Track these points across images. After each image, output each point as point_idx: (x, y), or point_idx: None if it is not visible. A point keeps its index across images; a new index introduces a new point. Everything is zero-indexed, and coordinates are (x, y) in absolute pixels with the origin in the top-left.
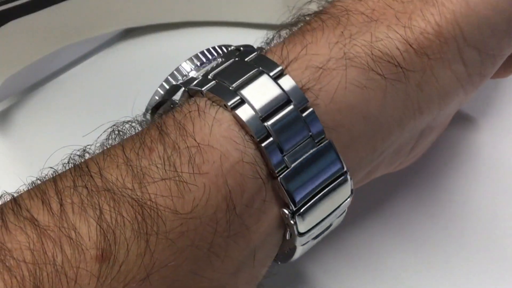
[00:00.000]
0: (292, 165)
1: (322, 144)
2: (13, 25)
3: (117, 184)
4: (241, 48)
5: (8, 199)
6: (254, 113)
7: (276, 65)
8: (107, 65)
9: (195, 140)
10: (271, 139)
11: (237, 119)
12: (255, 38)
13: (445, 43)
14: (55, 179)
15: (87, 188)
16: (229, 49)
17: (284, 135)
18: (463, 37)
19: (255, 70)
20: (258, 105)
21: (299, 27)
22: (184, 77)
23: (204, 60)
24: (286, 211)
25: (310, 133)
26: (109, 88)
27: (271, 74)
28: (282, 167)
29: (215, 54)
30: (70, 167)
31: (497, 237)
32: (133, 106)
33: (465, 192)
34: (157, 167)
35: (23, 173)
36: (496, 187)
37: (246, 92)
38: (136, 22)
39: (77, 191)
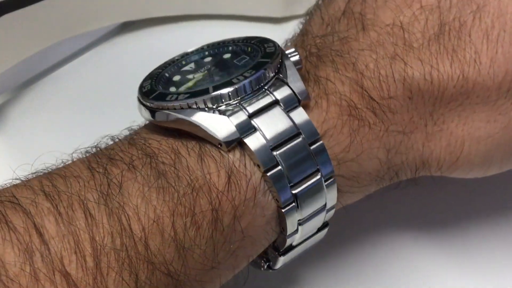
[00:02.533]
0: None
1: (329, 181)
2: (7, 19)
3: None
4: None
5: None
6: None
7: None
8: (105, 60)
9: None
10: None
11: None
12: (254, 32)
13: None
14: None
15: None
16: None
17: (294, 170)
18: None
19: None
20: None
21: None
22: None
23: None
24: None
25: (318, 168)
26: (106, 83)
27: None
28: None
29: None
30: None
31: None
32: (131, 101)
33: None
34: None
35: (18, 169)
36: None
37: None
38: (134, 15)
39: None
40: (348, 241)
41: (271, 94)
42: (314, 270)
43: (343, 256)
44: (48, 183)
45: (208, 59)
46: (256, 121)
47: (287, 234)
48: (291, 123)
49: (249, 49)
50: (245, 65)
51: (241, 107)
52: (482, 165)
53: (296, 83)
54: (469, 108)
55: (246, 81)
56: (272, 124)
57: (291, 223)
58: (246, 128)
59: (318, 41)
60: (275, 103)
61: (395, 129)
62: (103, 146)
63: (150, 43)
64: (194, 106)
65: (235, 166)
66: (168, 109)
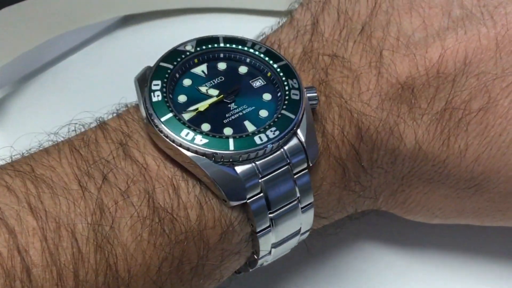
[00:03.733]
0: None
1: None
2: (7, 12)
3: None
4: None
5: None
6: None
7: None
8: (106, 53)
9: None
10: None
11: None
12: (259, 26)
13: None
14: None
15: None
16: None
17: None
18: None
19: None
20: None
21: None
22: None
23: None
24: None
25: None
26: (107, 77)
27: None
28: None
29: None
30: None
31: None
32: (131, 96)
33: None
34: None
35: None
36: None
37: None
38: (135, 8)
39: None
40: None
41: (287, 159)
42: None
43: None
44: (33, 190)
45: (223, 65)
46: (263, 182)
47: (259, 256)
48: (293, 187)
49: (269, 74)
50: (262, 99)
51: (256, 168)
52: (426, 220)
53: (312, 147)
54: (437, 185)
55: (269, 145)
56: (276, 187)
57: (264, 246)
58: (254, 193)
59: (326, 60)
60: (287, 164)
61: (368, 196)
62: (90, 137)
63: (152, 37)
64: (211, 157)
65: (232, 224)
66: (181, 145)
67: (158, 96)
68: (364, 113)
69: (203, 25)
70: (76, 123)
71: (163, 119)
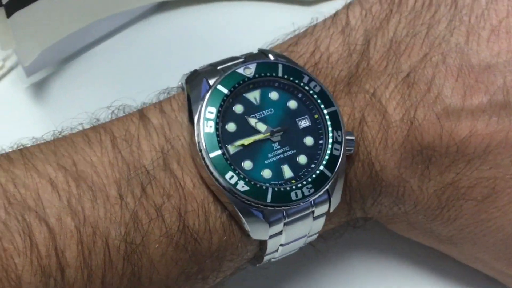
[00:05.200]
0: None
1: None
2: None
3: None
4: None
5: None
6: None
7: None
8: (140, 39)
9: None
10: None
11: None
12: (289, 15)
13: None
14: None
15: None
16: None
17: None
18: None
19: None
20: None
21: None
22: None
23: None
24: None
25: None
26: (141, 61)
27: None
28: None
29: None
30: None
31: None
32: (165, 80)
33: None
34: None
35: None
36: None
37: None
38: None
39: None
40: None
41: (312, 207)
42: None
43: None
44: (74, 191)
45: (275, 96)
46: (284, 229)
47: (266, 253)
48: (309, 229)
49: (316, 116)
50: (304, 143)
51: (283, 216)
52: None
53: (336, 196)
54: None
55: (302, 203)
56: (295, 232)
57: (272, 247)
58: (275, 232)
59: (366, 98)
60: (311, 212)
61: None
62: (132, 134)
63: (186, 23)
64: (248, 203)
65: (247, 248)
66: (223, 187)
67: (210, 127)
68: (384, 169)
69: (235, 12)
70: (116, 108)
71: (211, 155)
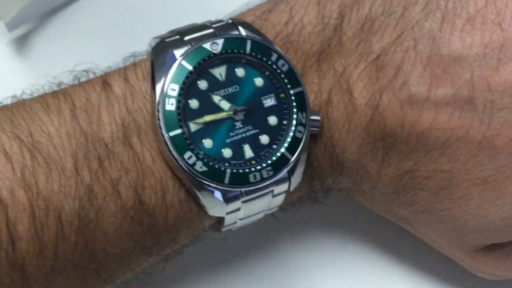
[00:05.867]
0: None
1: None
2: None
3: None
4: None
5: None
6: None
7: None
8: None
9: None
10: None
11: None
12: None
13: None
14: None
15: None
16: None
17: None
18: None
19: None
20: None
21: None
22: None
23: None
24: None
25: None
26: (126, 15)
27: None
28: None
29: None
30: None
31: None
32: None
33: None
34: None
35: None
36: None
37: None
38: None
39: None
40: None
41: (271, 187)
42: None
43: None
44: (28, 162)
45: (241, 72)
46: (243, 206)
47: (223, 226)
48: (267, 205)
49: (282, 95)
50: (268, 122)
51: (241, 194)
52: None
53: (296, 176)
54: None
55: (261, 185)
56: (253, 208)
57: (228, 221)
58: (233, 209)
59: (334, 76)
60: (270, 192)
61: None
62: (93, 103)
63: None
64: (206, 183)
65: (204, 223)
66: (181, 166)
67: (172, 105)
68: (345, 152)
69: None
70: (80, 73)
71: (171, 133)
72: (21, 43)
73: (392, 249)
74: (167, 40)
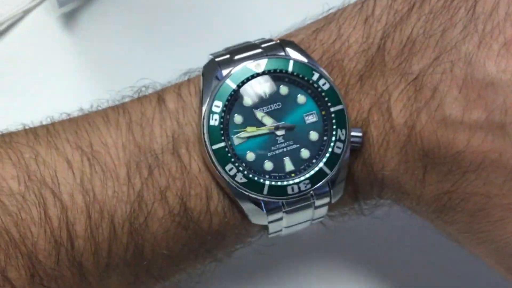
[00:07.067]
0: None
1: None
2: None
3: None
4: None
5: None
6: None
7: None
8: None
9: None
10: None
11: None
12: None
13: None
14: None
15: None
16: None
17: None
18: None
19: None
20: None
21: None
22: None
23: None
24: None
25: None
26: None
27: None
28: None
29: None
30: None
31: None
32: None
33: None
34: None
35: (86, 68)
36: None
37: None
38: None
39: None
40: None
41: (312, 198)
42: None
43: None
44: (87, 170)
45: (285, 90)
46: (285, 216)
47: (269, 233)
48: (311, 216)
49: (323, 113)
50: (309, 138)
51: (282, 205)
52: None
53: (337, 190)
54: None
55: (298, 195)
56: (296, 218)
57: (273, 229)
58: (275, 218)
59: (374, 96)
60: (312, 203)
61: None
62: (148, 117)
63: None
64: (246, 194)
65: (248, 230)
66: (222, 177)
67: (215, 120)
68: (383, 170)
69: None
70: (139, 89)
71: (214, 147)
72: (70, 18)
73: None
74: (217, 59)
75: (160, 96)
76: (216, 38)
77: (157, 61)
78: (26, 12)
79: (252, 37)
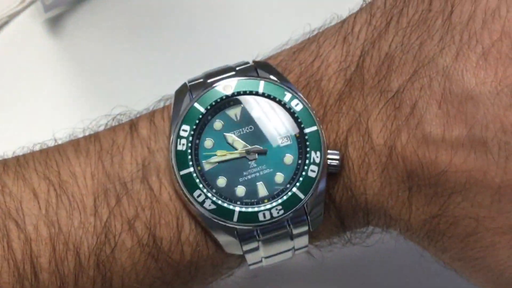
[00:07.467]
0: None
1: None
2: None
3: None
4: None
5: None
6: None
7: None
8: None
9: None
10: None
11: None
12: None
13: None
14: None
15: None
16: None
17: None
18: None
19: None
20: None
21: None
22: None
23: None
24: None
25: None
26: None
27: None
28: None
29: None
30: None
31: None
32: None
33: None
34: None
35: (70, 72)
36: None
37: None
38: None
39: None
40: None
41: (288, 226)
42: None
43: None
44: (53, 200)
45: (256, 113)
46: (261, 245)
47: (249, 264)
48: (291, 245)
49: (297, 135)
50: (283, 162)
51: (256, 233)
52: None
53: (315, 216)
54: None
55: (271, 222)
56: (275, 248)
57: (251, 260)
58: (250, 248)
59: (352, 117)
60: (288, 231)
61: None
62: (119, 144)
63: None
64: (217, 222)
65: (223, 259)
66: (190, 202)
67: (183, 145)
68: (365, 193)
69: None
70: (113, 117)
71: (182, 172)
72: (55, 23)
73: None
74: (189, 83)
75: (133, 123)
76: (203, 60)
77: (142, 73)
78: (11, 17)
79: (240, 59)
